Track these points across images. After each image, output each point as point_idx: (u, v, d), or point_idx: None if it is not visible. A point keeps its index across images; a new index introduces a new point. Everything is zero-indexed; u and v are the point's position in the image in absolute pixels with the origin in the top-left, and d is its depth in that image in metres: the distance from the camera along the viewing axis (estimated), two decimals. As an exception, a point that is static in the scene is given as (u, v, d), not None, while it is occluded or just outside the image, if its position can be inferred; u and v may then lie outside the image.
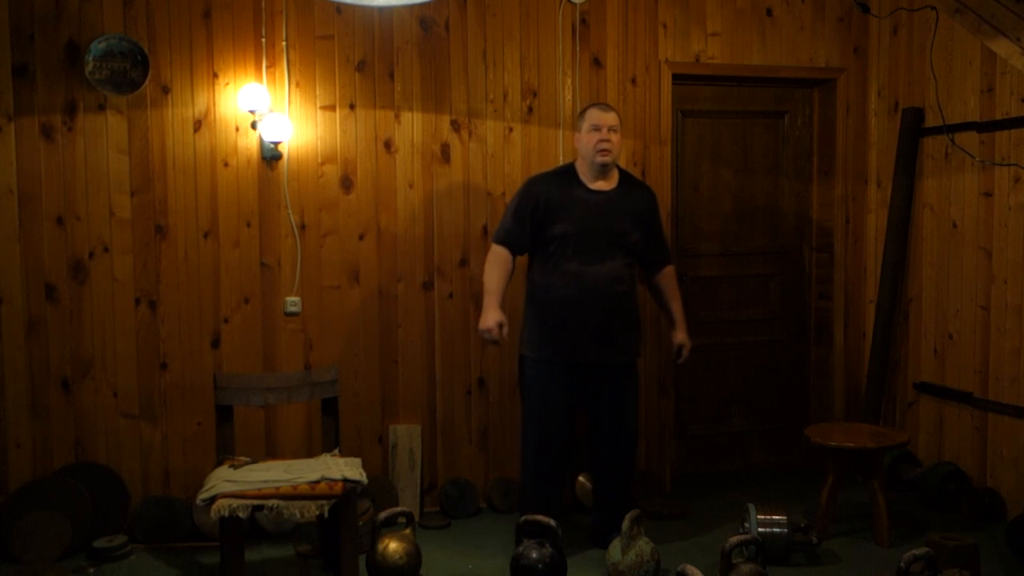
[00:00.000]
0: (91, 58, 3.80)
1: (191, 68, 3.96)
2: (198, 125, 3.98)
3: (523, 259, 3.90)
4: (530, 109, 4.36)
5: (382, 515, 3.55)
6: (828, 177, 4.96)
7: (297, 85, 4.08)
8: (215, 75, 3.99)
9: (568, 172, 3.80)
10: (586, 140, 3.72)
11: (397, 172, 4.23)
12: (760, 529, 3.64)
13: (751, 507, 3.71)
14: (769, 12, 4.69)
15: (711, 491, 4.61)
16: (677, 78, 4.59)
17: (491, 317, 3.69)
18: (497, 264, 3.76)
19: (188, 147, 3.97)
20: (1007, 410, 4.09)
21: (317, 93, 4.11)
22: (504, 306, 3.79)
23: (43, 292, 3.84)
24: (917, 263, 4.65)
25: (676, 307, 4.01)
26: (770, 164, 4.97)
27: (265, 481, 3.20)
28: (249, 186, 4.05)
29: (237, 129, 4.02)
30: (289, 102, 4.07)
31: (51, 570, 3.56)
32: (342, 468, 3.31)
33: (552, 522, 3.43)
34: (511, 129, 4.34)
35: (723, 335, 4.94)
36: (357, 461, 3.45)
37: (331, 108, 4.13)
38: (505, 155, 4.34)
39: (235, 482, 3.19)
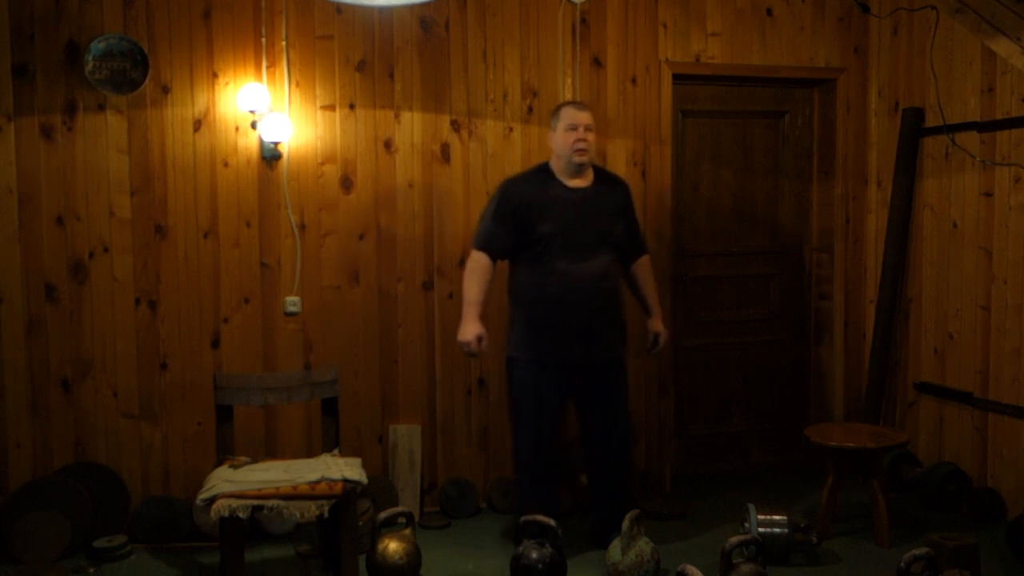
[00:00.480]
0: (91, 58, 3.80)
1: (191, 68, 3.96)
2: (198, 125, 3.98)
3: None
4: (530, 109, 4.36)
5: (382, 515, 3.55)
6: (828, 177, 4.96)
7: (297, 85, 4.08)
8: (215, 75, 3.99)
9: (543, 172, 3.78)
10: (562, 139, 3.70)
11: (397, 172, 4.23)
12: (760, 529, 3.64)
13: (751, 507, 3.71)
14: (769, 12, 4.69)
15: (711, 491, 4.61)
16: (677, 78, 4.58)
17: (470, 330, 3.67)
18: (477, 272, 3.72)
19: (188, 147, 3.97)
20: (1007, 410, 4.09)
21: (317, 93, 4.11)
22: (487, 305, 3.78)
23: (43, 292, 3.84)
24: (917, 263, 4.65)
25: (652, 297, 4.00)
26: (770, 164, 4.97)
27: (265, 481, 3.20)
28: (249, 186, 4.05)
29: (237, 129, 4.02)
30: (289, 102, 4.06)
31: (51, 570, 3.56)
32: (342, 468, 3.31)
33: (552, 522, 3.43)
34: (511, 129, 4.34)
35: (723, 335, 4.94)
36: (357, 461, 3.45)
37: (331, 108, 4.13)
38: (505, 155, 4.34)
39: (235, 482, 3.19)
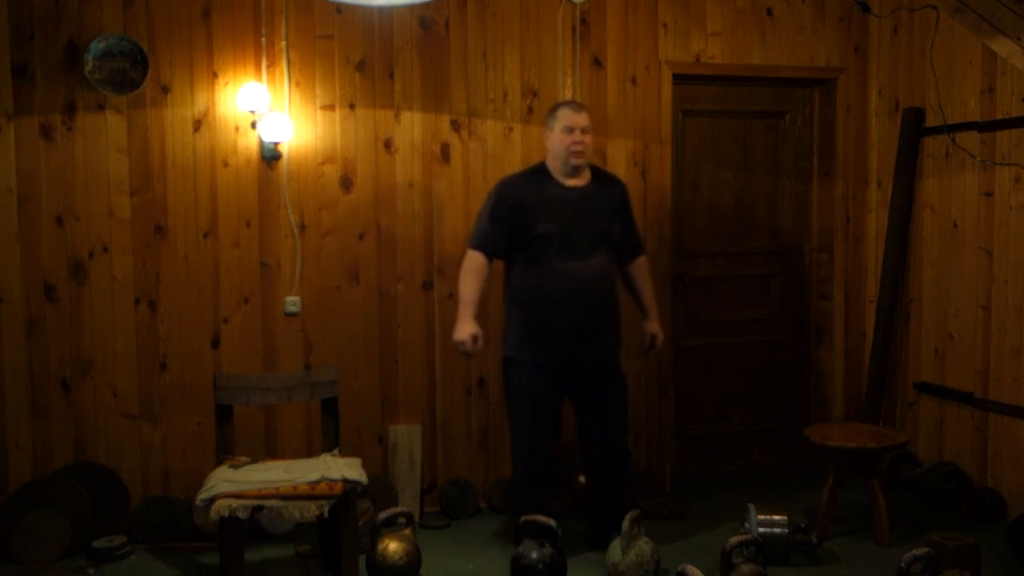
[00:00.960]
0: (91, 58, 3.80)
1: (191, 68, 3.96)
2: (198, 125, 3.98)
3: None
4: (530, 109, 4.36)
5: (382, 515, 3.55)
6: (828, 177, 4.96)
7: (297, 85, 4.08)
8: (215, 75, 3.99)
9: (540, 171, 3.77)
10: (559, 140, 3.68)
11: (397, 172, 4.23)
12: (760, 529, 3.64)
13: (751, 507, 3.70)
14: (769, 12, 4.69)
15: (711, 491, 4.61)
16: (677, 78, 4.58)
17: (466, 329, 3.65)
18: (473, 271, 3.70)
19: (188, 147, 3.97)
20: (1007, 410, 4.09)
21: (317, 93, 4.11)
22: (486, 304, 3.78)
23: (43, 292, 3.84)
24: (917, 263, 4.65)
25: (648, 298, 3.98)
26: (770, 164, 4.97)
27: (265, 481, 3.20)
28: (249, 186, 4.05)
29: (237, 129, 4.02)
30: (289, 102, 4.06)
31: (51, 570, 3.56)
32: (342, 468, 3.31)
33: (552, 522, 3.43)
34: (511, 129, 4.34)
35: (723, 335, 4.94)
36: (357, 461, 3.45)
37: (331, 108, 4.13)
38: (505, 155, 4.34)
39: (235, 482, 3.19)
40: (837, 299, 4.95)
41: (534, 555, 3.39)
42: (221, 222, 4.03)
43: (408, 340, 4.27)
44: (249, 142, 4.03)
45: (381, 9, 4.10)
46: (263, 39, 4.02)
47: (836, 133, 4.88)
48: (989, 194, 4.20)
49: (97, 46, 3.80)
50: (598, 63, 4.45)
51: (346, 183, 4.17)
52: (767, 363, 5.03)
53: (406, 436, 4.26)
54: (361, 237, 4.20)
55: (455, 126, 4.28)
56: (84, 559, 3.72)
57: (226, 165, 4.02)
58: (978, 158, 4.24)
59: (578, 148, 3.65)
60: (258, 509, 3.15)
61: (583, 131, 3.67)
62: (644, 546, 3.48)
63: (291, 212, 4.10)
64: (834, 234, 4.93)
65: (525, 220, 3.66)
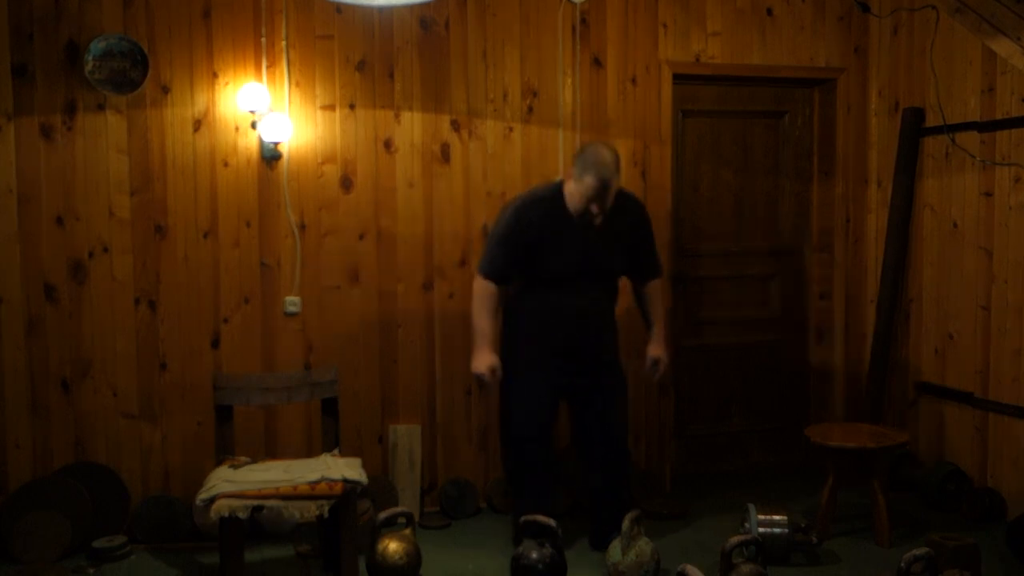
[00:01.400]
0: (91, 58, 3.80)
1: (191, 68, 3.96)
2: (198, 125, 3.98)
3: None
4: (530, 109, 4.36)
5: (382, 515, 3.55)
6: (828, 177, 4.96)
7: (297, 85, 4.08)
8: (215, 75, 3.99)
9: (557, 200, 3.62)
10: (579, 197, 3.54)
11: (397, 172, 4.23)
12: (760, 529, 3.64)
13: (751, 507, 3.70)
14: (769, 12, 4.69)
15: (711, 491, 4.61)
16: (677, 78, 4.58)
17: (484, 361, 3.62)
18: (486, 301, 3.64)
19: (188, 147, 3.97)
20: (1008, 410, 4.09)
21: (317, 93, 4.11)
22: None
23: (43, 292, 3.84)
24: (917, 263, 4.65)
25: (657, 320, 3.88)
26: (770, 164, 4.97)
27: (265, 481, 3.20)
28: (249, 186, 4.05)
29: (237, 129, 4.02)
30: (289, 102, 4.06)
31: (51, 570, 3.56)
32: (342, 468, 3.31)
33: (552, 522, 3.43)
34: (511, 129, 4.34)
35: (723, 335, 4.94)
36: (357, 461, 3.45)
37: (331, 108, 4.13)
38: (505, 155, 4.34)
39: (235, 482, 3.19)
40: (837, 299, 4.95)
41: (534, 555, 3.39)
42: (221, 222, 4.03)
43: (408, 340, 4.27)
44: (249, 142, 4.03)
45: (381, 9, 4.10)
46: (263, 39, 4.02)
47: (836, 133, 4.88)
48: (989, 194, 4.20)
49: (97, 46, 3.80)
50: (598, 63, 4.45)
51: (346, 183, 4.17)
52: (767, 363, 5.03)
53: (406, 436, 4.26)
54: (361, 237, 4.20)
55: (455, 126, 4.28)
56: (84, 559, 3.72)
57: (226, 165, 4.02)
58: (978, 158, 4.24)
59: (598, 220, 3.58)
60: (258, 509, 3.15)
61: (605, 206, 3.56)
62: (644, 546, 3.48)
63: (291, 212, 4.10)
64: (834, 234, 4.93)
65: (536, 254, 3.62)
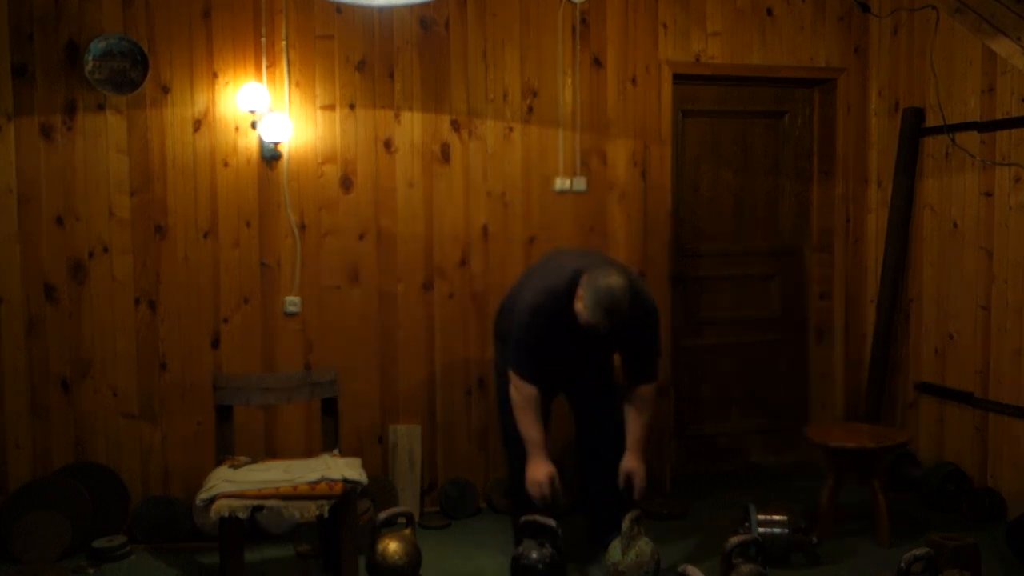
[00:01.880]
0: (91, 58, 3.80)
1: (191, 68, 3.96)
2: (198, 125, 3.98)
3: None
4: (530, 109, 4.36)
5: (382, 515, 3.55)
6: (828, 177, 4.96)
7: (297, 85, 4.08)
8: (215, 75, 3.99)
9: (567, 306, 3.38)
10: (586, 321, 3.33)
11: (397, 172, 4.23)
12: (760, 529, 3.63)
13: (751, 507, 3.70)
14: (769, 12, 4.69)
15: (711, 491, 4.61)
16: (677, 78, 4.58)
17: (542, 470, 3.42)
18: (531, 408, 3.45)
19: (188, 147, 3.97)
20: (1007, 410, 4.09)
21: (317, 93, 4.11)
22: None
23: (43, 292, 3.84)
24: (917, 263, 4.65)
25: (636, 428, 3.57)
26: (770, 164, 4.97)
27: (265, 481, 3.20)
28: (249, 186, 4.05)
29: (237, 129, 4.02)
30: (289, 102, 4.06)
31: (51, 570, 3.55)
32: (342, 468, 3.31)
33: (552, 522, 3.42)
34: (511, 129, 4.34)
35: (723, 335, 4.94)
36: (357, 461, 3.45)
37: (331, 108, 4.13)
38: (505, 155, 4.34)
39: (235, 482, 3.19)
40: (837, 299, 4.95)
41: (534, 555, 3.40)
42: (221, 222, 4.03)
43: (408, 340, 4.27)
44: (249, 142, 4.03)
45: (381, 9, 4.10)
46: (263, 39, 4.02)
47: (836, 133, 4.88)
48: (989, 194, 4.20)
49: (97, 46, 3.80)
50: (598, 63, 4.45)
51: (346, 183, 4.17)
52: (767, 363, 5.03)
53: (406, 436, 4.26)
54: (361, 237, 4.20)
55: (455, 126, 4.28)
56: (84, 559, 3.72)
57: (226, 165, 4.02)
58: (978, 158, 4.24)
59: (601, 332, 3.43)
60: (258, 509, 3.15)
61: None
62: (644, 546, 3.47)
63: (291, 212, 4.10)
64: (834, 234, 4.92)
65: (545, 348, 3.51)
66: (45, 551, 3.68)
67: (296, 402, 3.80)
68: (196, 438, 4.02)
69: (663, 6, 4.52)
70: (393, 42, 4.19)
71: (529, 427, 3.47)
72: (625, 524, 3.45)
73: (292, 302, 4.11)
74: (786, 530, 3.66)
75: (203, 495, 3.16)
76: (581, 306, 3.33)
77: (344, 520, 3.27)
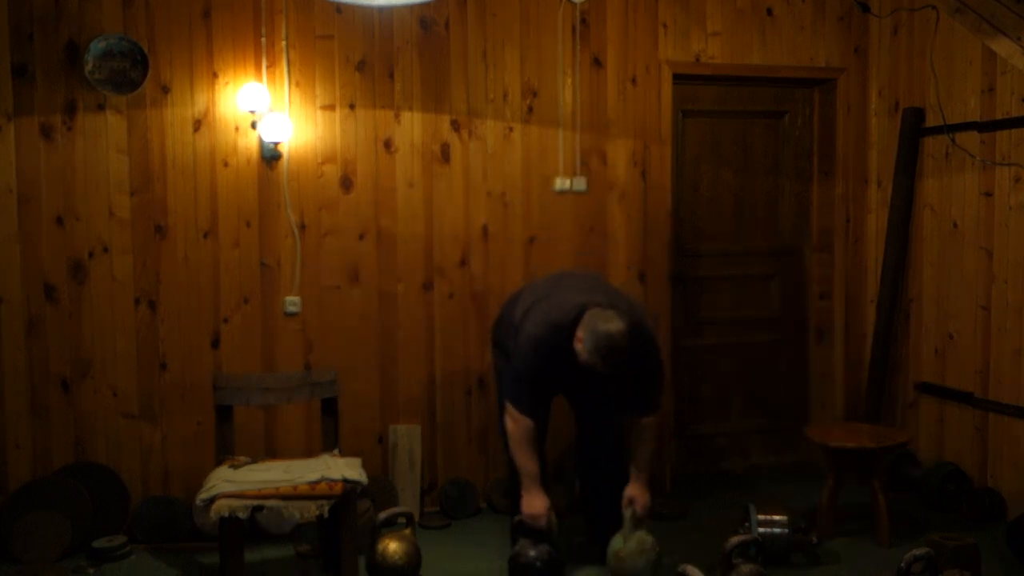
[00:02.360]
0: (91, 58, 3.80)
1: (191, 68, 3.96)
2: (198, 125, 3.98)
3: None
4: (530, 109, 4.36)
5: (382, 515, 3.55)
6: (828, 177, 4.96)
7: (297, 85, 4.08)
8: (215, 75, 3.99)
9: (569, 340, 3.36)
10: (581, 359, 3.32)
11: (397, 172, 4.23)
12: (760, 529, 3.63)
13: (751, 507, 3.70)
14: (769, 12, 4.69)
15: (711, 491, 4.61)
16: (677, 78, 4.58)
17: (539, 503, 3.42)
18: (527, 441, 3.43)
19: (188, 147, 3.97)
20: (1008, 410, 4.09)
21: (317, 93, 4.11)
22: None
23: (43, 292, 3.84)
24: (917, 263, 4.65)
25: (640, 455, 3.55)
26: (770, 164, 4.97)
27: (265, 481, 3.20)
28: (249, 186, 4.05)
29: (237, 129, 4.02)
30: (289, 102, 4.06)
31: (51, 570, 3.56)
32: (342, 468, 3.31)
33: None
34: (511, 129, 4.34)
35: (723, 335, 4.94)
36: (357, 461, 3.45)
37: (331, 108, 4.13)
38: (505, 155, 4.34)
39: (235, 482, 3.19)
40: (837, 299, 4.95)
41: (531, 553, 3.39)
42: (221, 222, 4.03)
43: (408, 340, 4.27)
44: (249, 142, 4.03)
45: (381, 9, 4.10)
46: (263, 39, 4.02)
47: (836, 133, 4.88)
48: (989, 194, 4.20)
49: (97, 46, 3.80)
50: (598, 63, 4.45)
51: (346, 183, 4.17)
52: (767, 363, 5.03)
53: (406, 436, 4.26)
54: (361, 237, 4.20)
55: (455, 126, 4.28)
56: (84, 559, 3.72)
57: (226, 165, 4.02)
58: (978, 158, 4.24)
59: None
60: (258, 509, 3.15)
61: None
62: (645, 536, 3.46)
63: (291, 212, 4.10)
64: (834, 234, 4.92)
65: (545, 379, 3.52)
66: (45, 551, 3.68)
67: (296, 402, 3.80)
68: (196, 438, 4.02)
69: (663, 6, 4.52)
70: (393, 42, 4.19)
71: (526, 461, 3.44)
72: (627, 514, 3.44)
73: (292, 302, 4.11)
74: (786, 530, 3.66)
75: (203, 495, 3.16)
76: (581, 347, 3.31)
77: (344, 520, 3.27)
